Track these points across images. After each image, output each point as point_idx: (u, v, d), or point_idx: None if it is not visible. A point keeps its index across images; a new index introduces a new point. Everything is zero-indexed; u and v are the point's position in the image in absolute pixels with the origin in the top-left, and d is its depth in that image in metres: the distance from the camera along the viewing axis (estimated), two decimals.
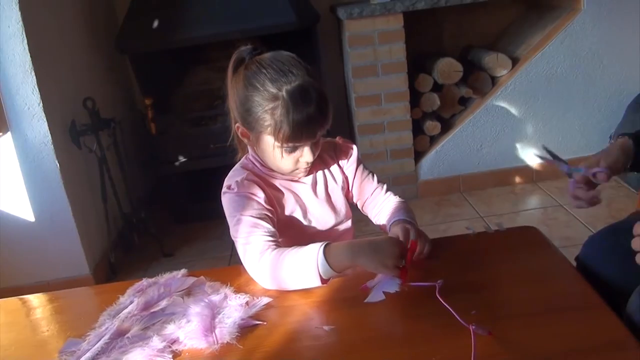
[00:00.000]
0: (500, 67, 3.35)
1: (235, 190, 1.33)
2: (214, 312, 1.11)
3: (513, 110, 3.37)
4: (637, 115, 1.40)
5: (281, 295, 1.20)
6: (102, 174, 2.95)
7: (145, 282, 1.28)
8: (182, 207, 3.50)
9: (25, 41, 2.51)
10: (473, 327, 0.98)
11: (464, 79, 3.38)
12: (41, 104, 2.58)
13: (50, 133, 2.63)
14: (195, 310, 1.11)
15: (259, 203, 1.32)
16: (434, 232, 2.89)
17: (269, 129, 1.27)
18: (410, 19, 3.21)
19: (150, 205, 3.55)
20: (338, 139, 1.52)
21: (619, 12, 3.24)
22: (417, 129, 3.42)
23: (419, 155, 3.45)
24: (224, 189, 1.36)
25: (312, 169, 1.41)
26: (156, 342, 1.06)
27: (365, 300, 1.13)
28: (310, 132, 1.29)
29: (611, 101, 3.36)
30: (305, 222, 1.42)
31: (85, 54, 3.18)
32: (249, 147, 1.42)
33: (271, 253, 1.23)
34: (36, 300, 1.37)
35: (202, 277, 1.28)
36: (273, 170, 1.39)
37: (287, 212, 1.40)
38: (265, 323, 1.11)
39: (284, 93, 1.24)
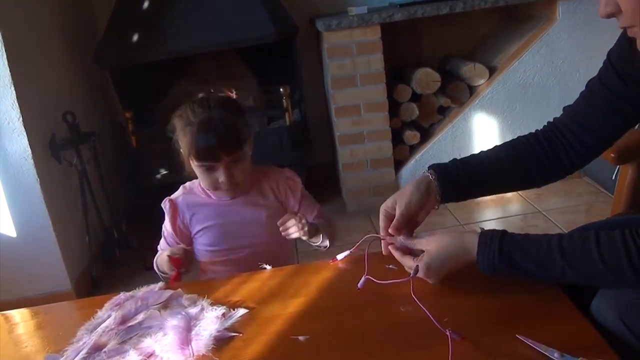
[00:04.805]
0: (478, 76, 3.39)
1: (164, 207, 1.71)
2: (190, 324, 1.12)
3: (491, 119, 3.41)
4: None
5: (258, 306, 1.21)
6: (83, 188, 2.95)
7: (122, 295, 1.29)
8: (163, 220, 3.48)
9: (5, 55, 2.51)
10: (449, 332, 1.00)
11: (442, 89, 3.42)
12: (21, 119, 2.58)
13: (31, 147, 2.63)
14: (172, 323, 1.11)
15: (172, 226, 1.71)
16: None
17: (187, 150, 1.56)
18: (388, 30, 3.25)
19: (132, 218, 3.54)
20: (286, 171, 1.72)
21: (594, 21, 3.29)
22: (397, 138, 3.45)
23: (399, 164, 3.48)
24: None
25: (250, 190, 1.67)
26: (133, 356, 1.06)
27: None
28: (211, 155, 1.53)
29: None
30: (227, 236, 1.68)
31: (65, 67, 3.19)
32: None
33: None
34: (17, 315, 1.37)
35: (179, 289, 1.28)
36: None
37: (209, 225, 1.70)
38: (241, 334, 1.12)
39: (196, 119, 1.53)
